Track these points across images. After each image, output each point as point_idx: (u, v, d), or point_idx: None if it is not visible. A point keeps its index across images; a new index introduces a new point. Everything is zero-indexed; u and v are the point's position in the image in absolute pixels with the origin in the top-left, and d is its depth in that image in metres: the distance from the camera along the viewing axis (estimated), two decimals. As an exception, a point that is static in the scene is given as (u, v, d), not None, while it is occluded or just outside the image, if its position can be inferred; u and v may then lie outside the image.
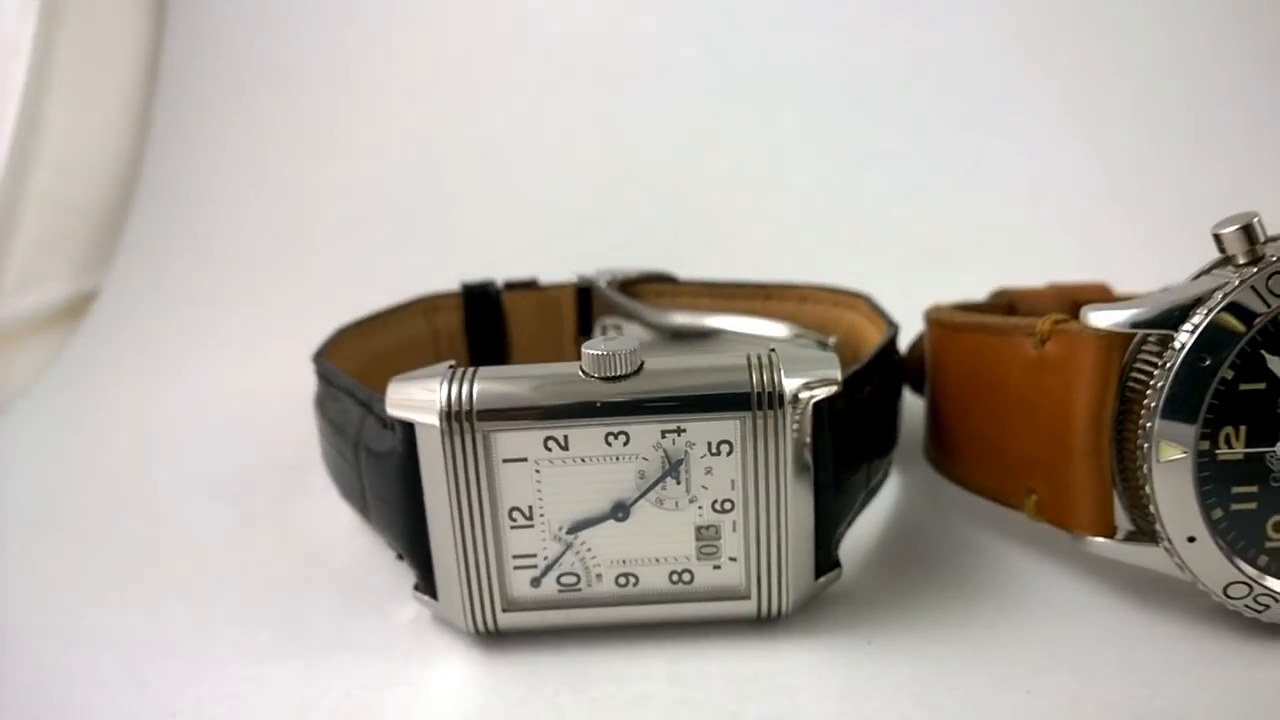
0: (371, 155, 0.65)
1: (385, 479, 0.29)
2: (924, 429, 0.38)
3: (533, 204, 0.62)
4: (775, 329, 0.42)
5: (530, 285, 0.46)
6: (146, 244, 0.64)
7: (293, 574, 0.34)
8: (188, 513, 0.40)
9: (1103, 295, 0.40)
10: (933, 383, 0.36)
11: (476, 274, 0.48)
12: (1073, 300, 0.40)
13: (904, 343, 0.39)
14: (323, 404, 0.35)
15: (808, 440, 0.28)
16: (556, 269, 0.48)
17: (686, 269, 0.48)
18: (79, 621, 0.32)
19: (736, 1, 0.67)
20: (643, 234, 0.60)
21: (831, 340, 0.41)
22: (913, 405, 0.39)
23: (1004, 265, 0.51)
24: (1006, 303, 0.42)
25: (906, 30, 0.64)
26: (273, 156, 0.65)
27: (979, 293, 0.45)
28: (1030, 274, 0.46)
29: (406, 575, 0.31)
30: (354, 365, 0.38)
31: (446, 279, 0.48)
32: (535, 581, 0.29)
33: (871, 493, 0.34)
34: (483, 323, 0.46)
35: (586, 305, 0.46)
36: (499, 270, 0.48)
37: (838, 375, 0.28)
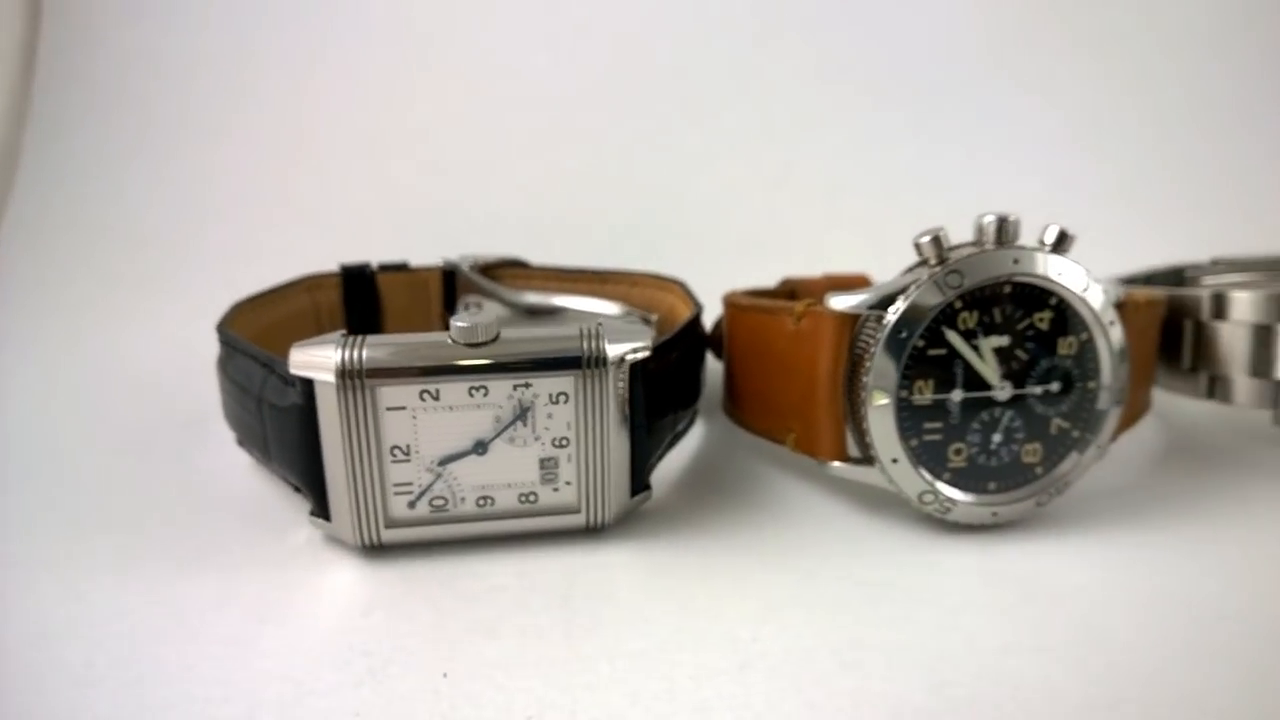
0: (250, 139, 0.70)
1: (287, 426, 0.36)
2: (722, 387, 0.47)
3: (406, 193, 0.69)
4: (609, 307, 0.51)
5: (402, 267, 0.53)
6: (30, 224, 0.67)
7: (199, 509, 0.41)
8: (95, 462, 0.45)
9: (864, 282, 0.51)
10: (727, 351, 0.45)
11: (349, 253, 0.55)
12: (841, 287, 0.51)
13: (718, 318, 0.49)
14: (225, 366, 0.41)
15: (626, 393, 0.36)
16: (425, 253, 0.55)
17: (538, 255, 0.56)
18: (11, 549, 0.37)
19: (579, 13, 0.75)
20: (501, 224, 0.68)
21: (654, 317, 0.50)
22: (718, 370, 0.48)
23: (803, 257, 0.62)
24: (790, 289, 0.52)
25: (730, 50, 0.73)
26: (155, 139, 0.69)
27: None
28: (823, 264, 0.57)
29: (301, 506, 0.38)
30: (248, 334, 0.43)
31: (321, 259, 0.54)
32: (412, 504, 0.36)
33: (678, 436, 0.43)
34: (359, 299, 0.52)
35: (451, 285, 0.54)
36: (371, 251, 0.55)
37: (649, 344, 0.36)
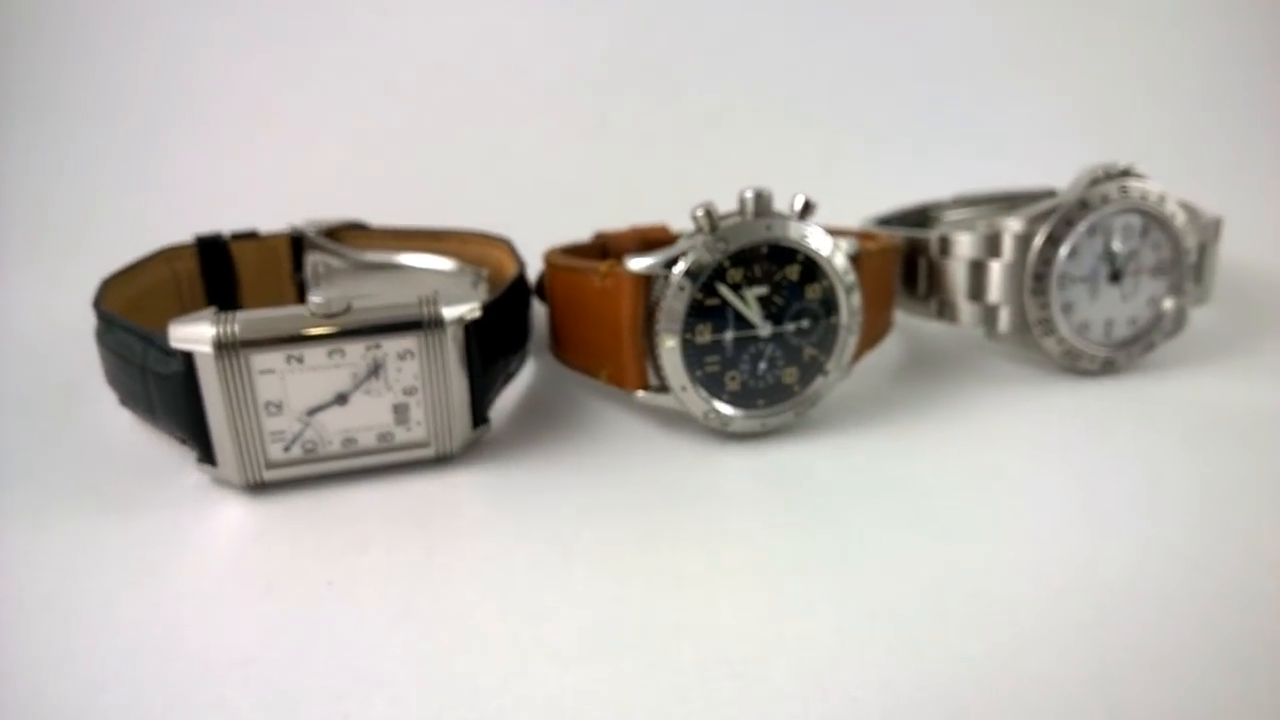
0: (88, 107, 0.71)
1: (172, 391, 0.41)
2: (548, 332, 0.55)
3: (249, 158, 0.72)
4: (444, 263, 0.58)
5: (252, 235, 0.58)
6: None
7: (93, 462, 0.46)
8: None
9: (664, 233, 0.60)
10: (549, 301, 0.53)
11: (198, 221, 0.59)
12: (644, 238, 0.59)
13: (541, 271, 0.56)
14: (104, 338, 0.45)
15: (462, 346, 0.44)
16: (264, 219, 0.60)
17: (377, 216, 0.62)
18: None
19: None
20: (344, 185, 0.72)
21: (485, 272, 0.57)
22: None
23: (619, 205, 0.70)
24: (601, 243, 0.60)
25: (544, 10, 0.79)
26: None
27: (603, 226, 0.63)
28: (637, 212, 0.65)
29: (186, 455, 0.44)
30: (119, 305, 0.48)
31: (168, 223, 0.58)
32: (286, 448, 0.42)
33: (511, 375, 0.51)
34: (215, 267, 0.57)
35: (299, 249, 0.59)
36: (219, 218, 0.59)
37: (478, 305, 0.44)
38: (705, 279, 0.45)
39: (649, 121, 0.81)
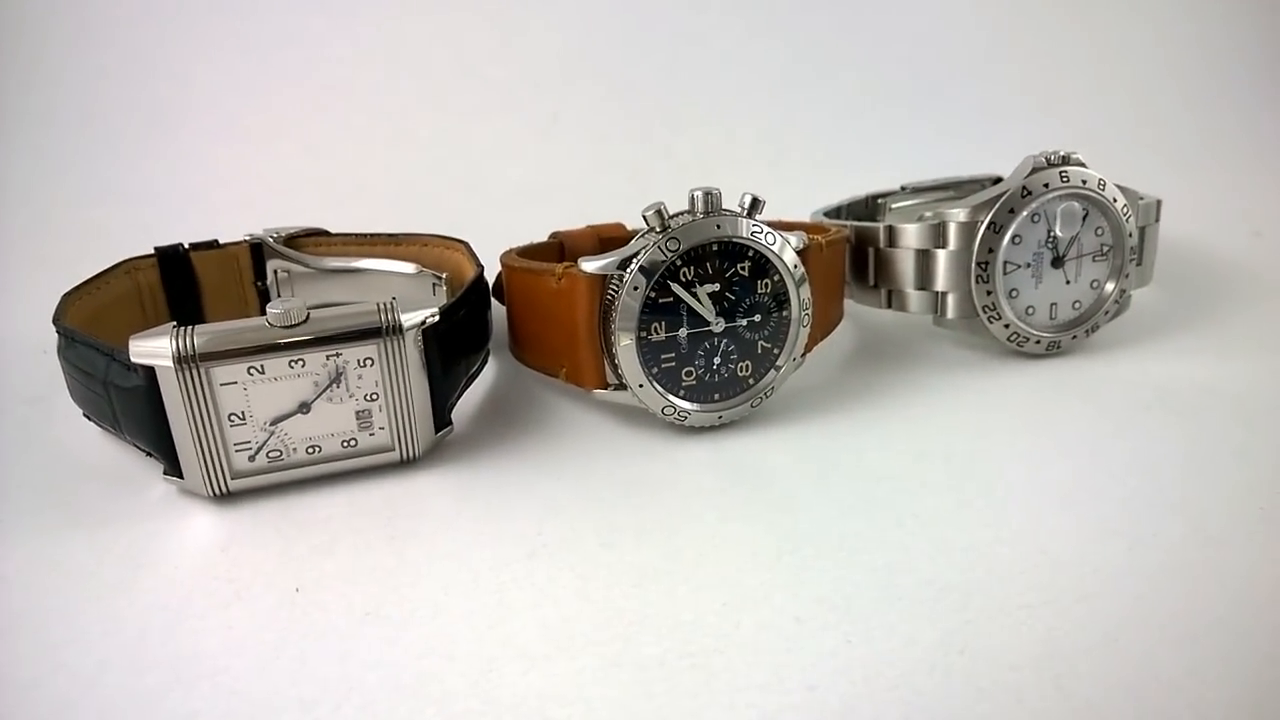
0: (41, 119, 0.70)
1: (135, 405, 0.42)
2: (507, 332, 0.56)
3: (209, 168, 0.72)
4: (404, 267, 0.58)
5: (212, 245, 0.58)
6: None
7: (59, 476, 0.46)
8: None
9: (620, 230, 0.61)
10: (507, 302, 0.54)
11: (160, 231, 0.59)
12: (599, 236, 0.60)
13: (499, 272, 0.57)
14: (66, 353, 0.46)
15: (422, 351, 0.45)
16: (232, 228, 0.60)
17: (337, 222, 0.62)
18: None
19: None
20: (305, 192, 0.72)
21: (444, 275, 0.58)
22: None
23: (576, 202, 0.71)
24: (558, 242, 0.60)
25: (496, 10, 0.79)
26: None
27: (559, 225, 0.64)
28: (593, 211, 0.66)
29: (152, 466, 0.45)
30: (80, 319, 0.48)
31: (123, 236, 0.58)
32: (251, 458, 0.43)
33: (472, 377, 0.52)
34: (176, 278, 0.57)
35: (259, 257, 0.59)
36: (181, 228, 0.59)
37: (436, 311, 0.45)
38: (658, 277, 0.46)
39: (603, 121, 0.82)
